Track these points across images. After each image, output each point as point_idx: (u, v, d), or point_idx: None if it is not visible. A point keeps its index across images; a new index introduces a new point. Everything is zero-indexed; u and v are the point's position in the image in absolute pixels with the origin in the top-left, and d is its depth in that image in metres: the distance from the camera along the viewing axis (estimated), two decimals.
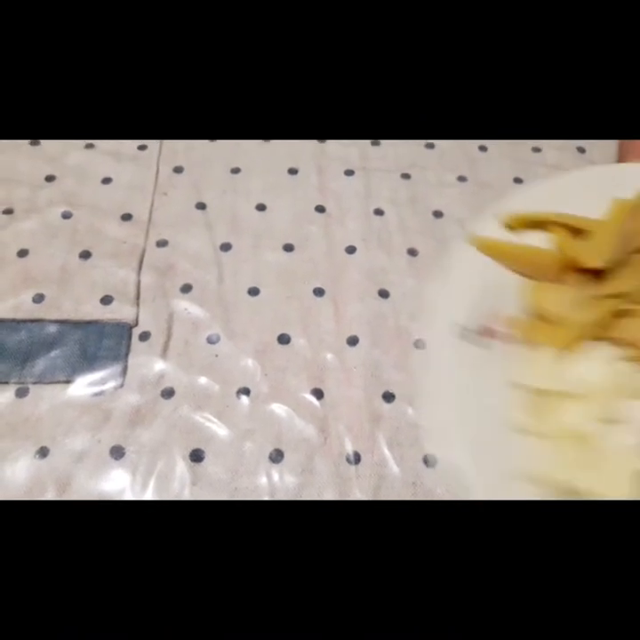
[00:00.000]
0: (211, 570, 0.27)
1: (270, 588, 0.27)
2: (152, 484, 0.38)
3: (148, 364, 0.43)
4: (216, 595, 0.27)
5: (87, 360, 0.42)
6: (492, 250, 0.43)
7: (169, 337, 0.44)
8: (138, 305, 0.45)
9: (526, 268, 0.43)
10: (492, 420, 0.37)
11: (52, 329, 0.44)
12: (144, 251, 0.48)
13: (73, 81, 0.37)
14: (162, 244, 0.49)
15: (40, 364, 0.42)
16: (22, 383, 0.41)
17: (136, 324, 0.44)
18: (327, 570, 0.27)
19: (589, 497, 0.35)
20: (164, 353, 0.43)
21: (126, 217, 0.50)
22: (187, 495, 0.38)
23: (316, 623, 0.26)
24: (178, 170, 0.53)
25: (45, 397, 0.41)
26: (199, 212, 0.51)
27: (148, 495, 0.38)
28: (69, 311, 0.44)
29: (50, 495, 0.38)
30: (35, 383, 0.41)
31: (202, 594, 0.27)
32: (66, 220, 0.49)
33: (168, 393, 0.41)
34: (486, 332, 0.39)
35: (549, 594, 0.27)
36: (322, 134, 0.40)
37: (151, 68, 0.37)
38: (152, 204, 0.51)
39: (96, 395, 0.41)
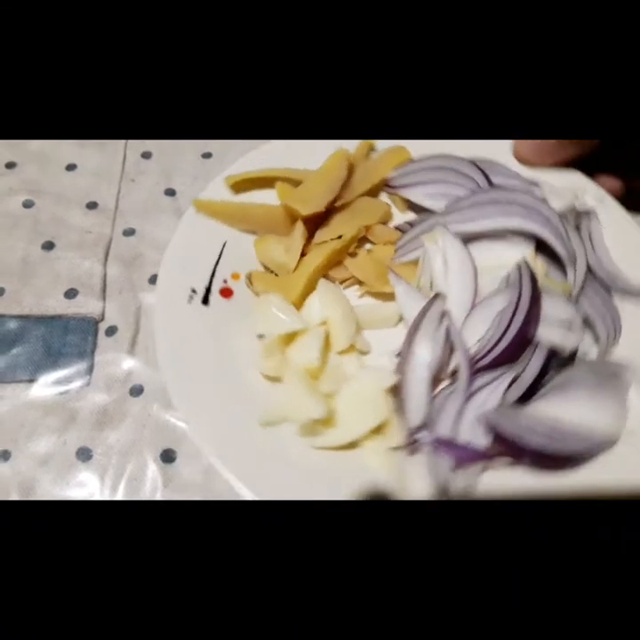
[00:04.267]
0: (186, 574, 0.25)
1: (251, 590, 0.25)
2: (122, 487, 0.37)
3: (116, 360, 0.41)
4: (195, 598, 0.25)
5: (51, 357, 0.40)
6: (218, 212, 0.42)
7: (137, 331, 0.42)
8: (104, 298, 0.43)
9: (255, 225, 0.43)
10: (237, 373, 0.37)
11: (13, 325, 0.41)
12: (110, 240, 0.46)
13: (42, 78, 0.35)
14: (129, 232, 0.46)
15: (0, 363, 0.40)
16: None
17: (102, 319, 0.42)
18: (306, 569, 0.25)
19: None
20: (131, 348, 0.41)
21: (92, 205, 0.47)
22: (158, 498, 0.36)
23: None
24: (146, 155, 0.51)
25: (6, 397, 0.39)
26: (168, 198, 0.49)
27: (118, 499, 0.36)
28: (31, 306, 0.42)
29: None
30: None
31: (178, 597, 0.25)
32: (27, 210, 0.47)
33: (137, 391, 0.40)
34: (224, 292, 0.40)
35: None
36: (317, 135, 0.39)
37: (124, 66, 0.35)
38: (119, 192, 0.49)
39: (61, 394, 0.39)
